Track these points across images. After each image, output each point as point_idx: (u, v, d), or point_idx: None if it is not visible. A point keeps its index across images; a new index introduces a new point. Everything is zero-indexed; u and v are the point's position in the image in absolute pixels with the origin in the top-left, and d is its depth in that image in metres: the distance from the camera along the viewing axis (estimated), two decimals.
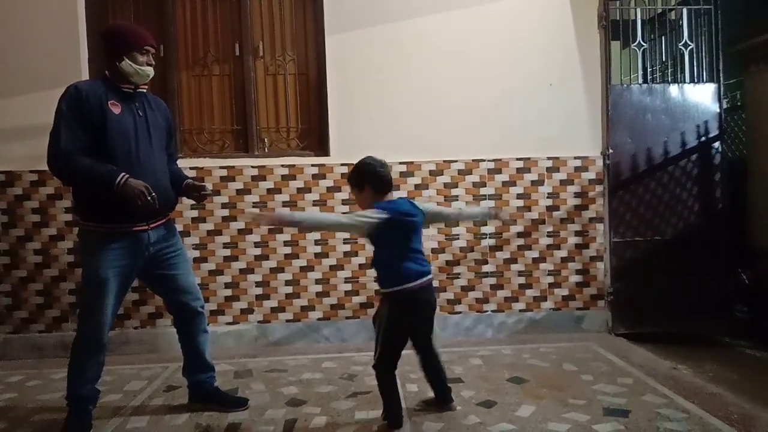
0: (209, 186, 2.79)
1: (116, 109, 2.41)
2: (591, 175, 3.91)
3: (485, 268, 3.88)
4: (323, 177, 3.78)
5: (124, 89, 2.47)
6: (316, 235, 3.77)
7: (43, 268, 3.65)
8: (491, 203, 3.85)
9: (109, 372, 3.26)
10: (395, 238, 2.36)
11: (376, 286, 3.80)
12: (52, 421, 2.63)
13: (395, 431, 2.43)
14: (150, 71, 2.49)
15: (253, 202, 3.74)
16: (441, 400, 2.62)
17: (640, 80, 4.10)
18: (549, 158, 3.89)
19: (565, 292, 3.92)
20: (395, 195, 2.48)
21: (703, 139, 3.83)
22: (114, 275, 2.42)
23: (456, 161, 3.84)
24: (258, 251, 3.76)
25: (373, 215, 2.30)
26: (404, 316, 2.40)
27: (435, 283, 3.77)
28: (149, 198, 2.32)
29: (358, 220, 2.29)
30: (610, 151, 3.81)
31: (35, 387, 3.12)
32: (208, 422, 2.57)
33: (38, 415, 2.73)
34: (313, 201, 3.77)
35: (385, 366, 2.44)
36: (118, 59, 2.42)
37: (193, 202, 3.68)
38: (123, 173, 2.31)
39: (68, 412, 2.52)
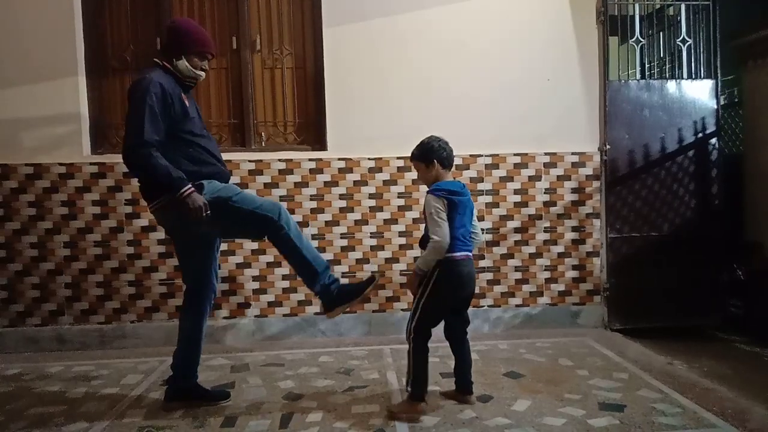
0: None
1: (187, 102, 2.59)
2: (588, 170, 3.91)
3: (482, 263, 3.89)
4: (320, 171, 3.78)
5: (187, 83, 2.63)
6: (314, 230, 3.77)
7: (39, 261, 3.64)
8: (488, 198, 3.86)
9: (106, 366, 3.28)
10: (449, 218, 2.47)
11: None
12: (48, 414, 2.63)
13: (419, 403, 2.49)
14: (203, 75, 2.67)
15: None
16: (464, 390, 2.68)
17: (638, 76, 4.10)
18: (546, 154, 3.89)
19: (561, 287, 3.93)
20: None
21: (700, 135, 3.84)
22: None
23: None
24: (255, 246, 3.75)
25: (440, 215, 2.44)
26: (448, 284, 2.49)
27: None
28: (204, 215, 2.42)
29: (441, 232, 2.42)
30: (608, 146, 3.82)
31: (31, 380, 3.12)
32: (205, 415, 2.58)
33: (34, 408, 2.73)
34: (311, 196, 3.77)
35: (424, 333, 2.52)
36: (177, 56, 2.55)
37: None
38: (190, 185, 2.42)
39: (193, 389, 2.67)
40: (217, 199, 2.52)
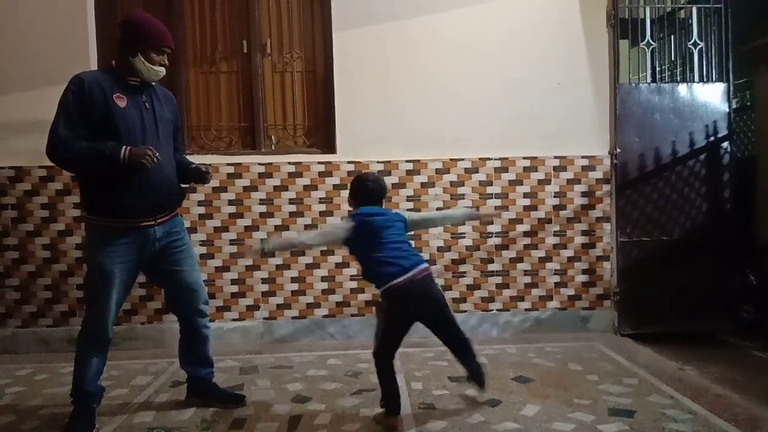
0: (208, 167, 2.70)
1: (121, 102, 2.37)
2: (598, 174, 3.89)
3: (491, 267, 3.88)
4: (330, 174, 3.79)
5: (130, 82, 2.44)
6: None
7: (52, 263, 3.67)
8: (497, 202, 3.85)
9: (116, 367, 3.29)
10: (369, 241, 2.46)
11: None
12: (59, 414, 2.65)
13: (394, 417, 2.46)
14: (162, 72, 2.46)
15: (260, 199, 3.75)
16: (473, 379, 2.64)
17: (649, 79, 4.07)
18: (556, 157, 3.87)
19: (571, 291, 3.92)
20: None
21: (712, 138, 3.81)
22: (119, 270, 2.42)
23: (462, 159, 3.83)
24: None
25: (342, 227, 2.49)
26: (399, 310, 2.45)
27: (440, 282, 3.81)
28: (156, 159, 2.31)
29: (331, 233, 2.55)
30: (618, 150, 3.80)
31: (43, 380, 3.15)
32: (214, 417, 2.59)
33: (46, 408, 2.76)
34: (320, 198, 3.78)
35: (384, 356, 2.47)
36: (132, 54, 2.38)
37: (202, 198, 3.72)
38: (125, 146, 2.30)
39: (72, 409, 2.52)
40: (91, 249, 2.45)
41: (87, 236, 2.54)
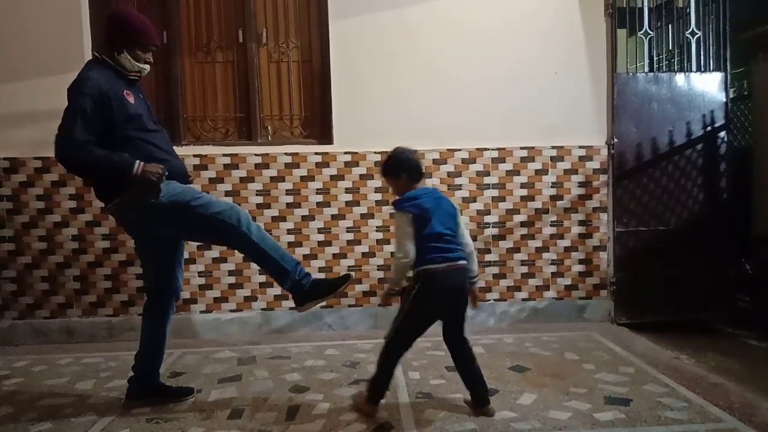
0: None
1: (131, 99, 2.43)
2: (595, 164, 3.89)
3: (488, 257, 3.88)
4: (327, 165, 3.78)
5: (130, 77, 2.49)
6: (320, 224, 3.78)
7: (48, 254, 3.66)
8: (494, 192, 3.85)
9: (115, 358, 3.30)
10: (420, 227, 2.34)
11: (379, 275, 3.82)
12: (57, 405, 2.66)
13: (374, 406, 2.46)
14: (147, 69, 2.50)
15: (257, 191, 3.74)
16: (475, 402, 2.48)
17: (646, 69, 4.06)
18: (553, 147, 3.87)
19: (567, 281, 3.93)
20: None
21: (709, 128, 3.81)
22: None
23: (460, 150, 3.83)
24: None
25: (404, 230, 2.34)
26: (429, 297, 2.35)
27: None
28: (164, 176, 2.34)
29: (403, 249, 2.33)
30: (615, 140, 3.79)
31: (41, 372, 3.15)
32: (212, 408, 2.60)
33: (44, 399, 2.76)
34: (317, 189, 3.77)
35: (396, 344, 2.42)
36: (118, 50, 2.42)
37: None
38: (138, 160, 2.31)
39: (155, 388, 2.64)
40: (175, 202, 2.38)
41: (131, 216, 2.49)
